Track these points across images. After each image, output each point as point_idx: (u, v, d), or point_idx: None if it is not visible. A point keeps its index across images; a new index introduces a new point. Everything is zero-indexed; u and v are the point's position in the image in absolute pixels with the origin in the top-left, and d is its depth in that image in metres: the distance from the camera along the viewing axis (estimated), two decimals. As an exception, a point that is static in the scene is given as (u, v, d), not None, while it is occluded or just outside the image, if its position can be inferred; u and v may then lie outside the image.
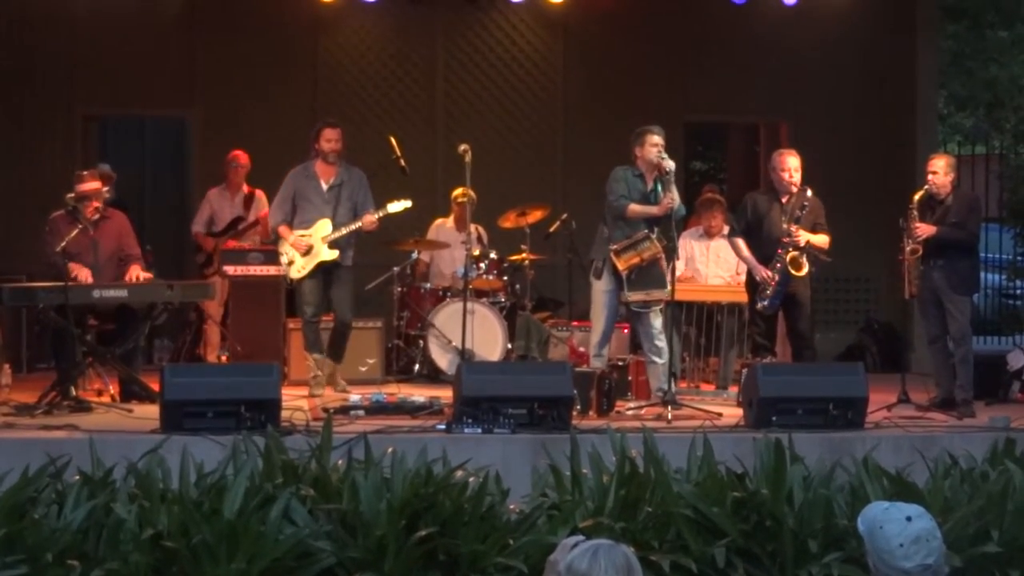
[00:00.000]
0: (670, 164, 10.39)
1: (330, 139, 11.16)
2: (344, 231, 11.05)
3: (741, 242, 11.00)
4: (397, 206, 11.29)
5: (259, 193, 13.00)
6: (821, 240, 10.86)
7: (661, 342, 10.52)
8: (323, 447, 7.83)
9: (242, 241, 12.74)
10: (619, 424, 9.15)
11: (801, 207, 10.79)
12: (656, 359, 10.50)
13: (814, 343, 11.19)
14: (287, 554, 7.04)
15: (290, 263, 11.13)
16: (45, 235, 10.63)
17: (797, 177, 10.83)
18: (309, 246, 11.05)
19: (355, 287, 11.48)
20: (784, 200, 10.84)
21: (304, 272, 11.08)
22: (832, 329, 14.14)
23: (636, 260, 10.37)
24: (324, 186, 11.17)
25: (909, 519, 4.26)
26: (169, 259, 13.36)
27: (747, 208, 11.08)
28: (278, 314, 12.14)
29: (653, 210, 10.44)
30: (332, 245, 11.05)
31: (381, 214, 11.15)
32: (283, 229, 11.17)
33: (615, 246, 10.42)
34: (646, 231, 10.40)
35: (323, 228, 11.08)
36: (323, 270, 11.11)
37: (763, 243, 10.84)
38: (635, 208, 10.48)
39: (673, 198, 10.37)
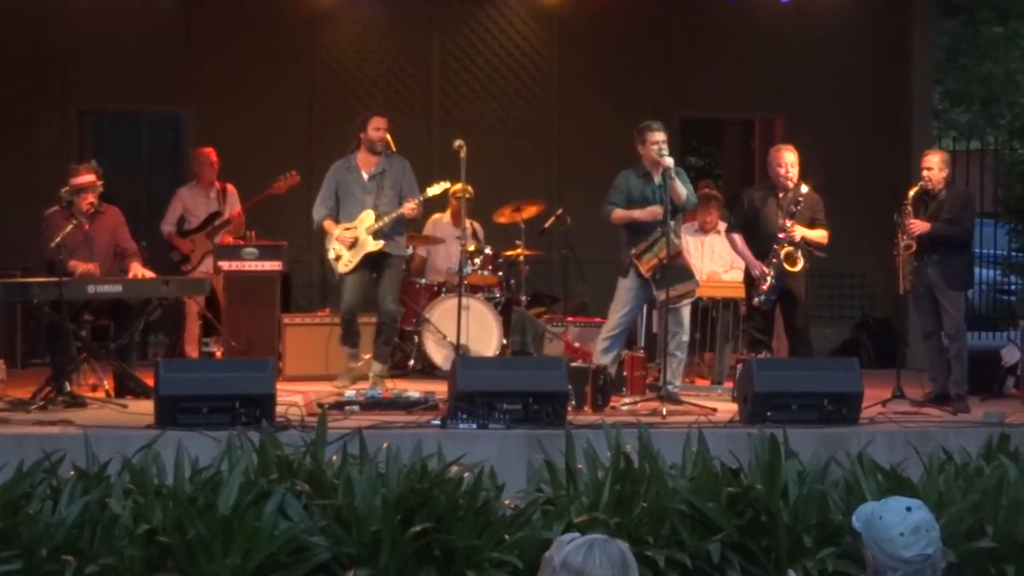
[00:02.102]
0: (668, 161, 10.38)
1: (379, 127, 11.09)
2: (387, 219, 10.95)
3: (738, 237, 11.04)
4: (436, 189, 11.25)
5: (231, 188, 12.96)
6: (819, 235, 10.87)
7: (687, 336, 10.56)
8: (318, 442, 7.84)
9: (216, 237, 12.67)
10: (614, 419, 9.15)
11: (796, 202, 10.79)
12: (678, 354, 10.53)
13: (810, 338, 11.19)
14: (282, 549, 7.04)
15: (337, 258, 11.02)
16: (41, 231, 10.63)
17: (794, 172, 10.84)
18: (355, 239, 10.95)
19: (401, 277, 11.45)
20: (781, 195, 10.86)
21: (352, 266, 10.99)
22: (827, 325, 14.14)
23: (655, 262, 10.36)
24: (365, 176, 11.08)
25: (909, 509, 4.29)
26: (163, 255, 13.32)
27: (744, 203, 11.10)
28: (273, 309, 12.14)
29: (636, 214, 10.45)
30: (376, 235, 10.97)
31: (421, 198, 11.08)
32: (328, 224, 11.06)
33: (635, 250, 10.44)
34: (661, 230, 10.36)
35: (367, 219, 10.99)
36: (370, 262, 11.03)
37: (760, 238, 10.87)
38: (619, 214, 10.55)
39: (678, 192, 10.37)
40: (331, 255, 11.11)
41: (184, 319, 12.71)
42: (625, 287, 10.63)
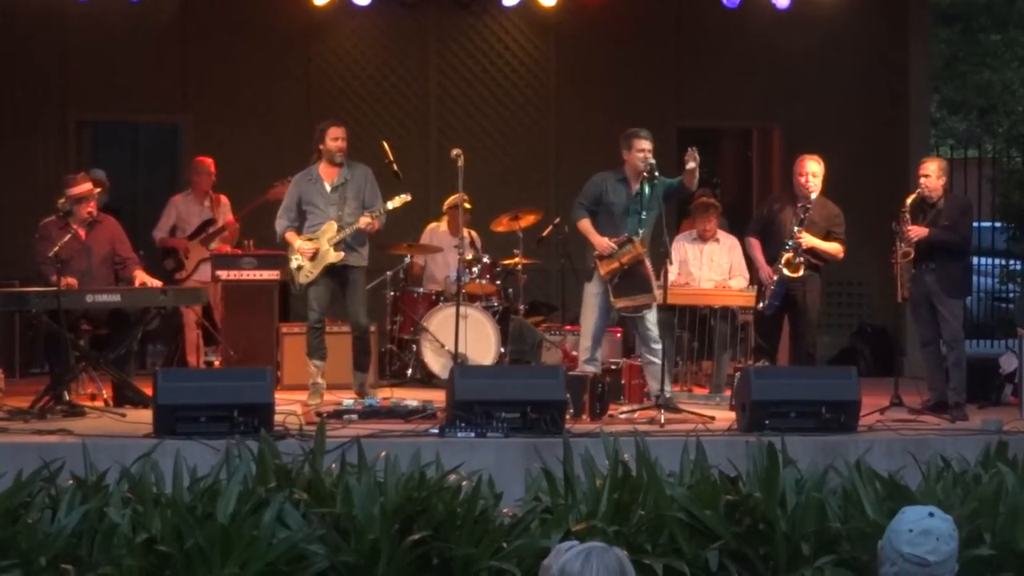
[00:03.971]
0: (648, 164, 10.40)
1: (336, 137, 10.93)
2: (348, 230, 10.85)
3: (754, 242, 11.14)
4: (396, 201, 11.09)
5: (224, 199, 12.95)
6: (832, 248, 10.93)
7: (657, 343, 10.50)
8: (316, 451, 7.84)
9: (211, 244, 12.67)
10: (612, 428, 9.18)
11: (805, 210, 10.83)
12: (653, 359, 10.49)
13: (812, 348, 11.19)
14: (280, 558, 7.04)
15: (298, 268, 10.91)
16: (36, 241, 10.62)
17: (814, 182, 10.89)
18: (315, 250, 10.84)
19: (367, 289, 11.35)
20: (799, 204, 10.91)
21: (312, 277, 10.84)
22: (825, 333, 14.11)
23: (615, 265, 10.38)
24: (328, 187, 10.94)
25: (932, 515, 4.34)
26: (160, 264, 13.32)
27: (763, 210, 11.26)
28: (271, 319, 12.14)
29: (594, 239, 10.47)
30: (337, 246, 10.85)
31: (379, 212, 10.94)
32: (290, 235, 10.93)
33: (598, 252, 10.45)
34: (628, 235, 10.40)
35: (330, 231, 10.87)
36: (332, 273, 10.89)
37: (773, 245, 10.97)
38: (584, 226, 10.58)
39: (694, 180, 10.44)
40: (292, 265, 10.96)
41: (183, 327, 12.70)
42: (591, 292, 10.64)
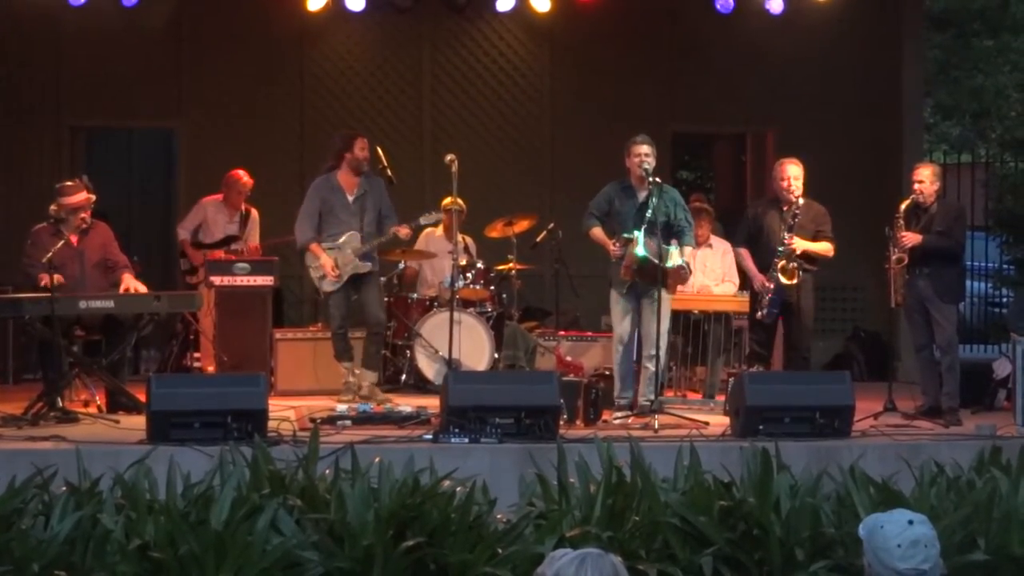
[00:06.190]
0: (644, 169, 10.41)
1: (364, 147, 11.27)
2: (375, 242, 11.16)
3: (744, 252, 11.12)
4: (429, 219, 11.52)
5: (255, 213, 12.96)
6: (823, 248, 10.93)
7: (653, 350, 10.49)
8: (310, 457, 7.83)
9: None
10: (606, 433, 9.16)
11: (793, 215, 10.82)
12: (647, 365, 10.49)
13: (807, 353, 11.18)
14: (274, 564, 7.03)
15: (322, 277, 11.21)
16: (27, 247, 10.61)
17: (796, 185, 10.88)
18: (341, 259, 11.13)
19: (382, 287, 11.64)
20: (784, 208, 10.90)
21: (338, 286, 11.17)
22: (819, 338, 14.09)
23: (625, 269, 10.43)
24: (350, 197, 11.23)
25: (911, 523, 4.32)
26: (156, 269, 13.33)
27: (748, 218, 11.19)
28: (265, 324, 12.12)
29: (608, 246, 10.50)
30: (363, 258, 11.15)
31: (413, 225, 11.33)
32: (315, 247, 11.19)
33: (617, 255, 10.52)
34: (624, 235, 10.42)
35: (353, 241, 11.15)
36: (352, 280, 11.21)
37: (764, 252, 10.95)
38: (595, 233, 10.62)
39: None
40: (316, 274, 11.26)
41: (189, 333, 12.64)
42: (613, 298, 10.67)
